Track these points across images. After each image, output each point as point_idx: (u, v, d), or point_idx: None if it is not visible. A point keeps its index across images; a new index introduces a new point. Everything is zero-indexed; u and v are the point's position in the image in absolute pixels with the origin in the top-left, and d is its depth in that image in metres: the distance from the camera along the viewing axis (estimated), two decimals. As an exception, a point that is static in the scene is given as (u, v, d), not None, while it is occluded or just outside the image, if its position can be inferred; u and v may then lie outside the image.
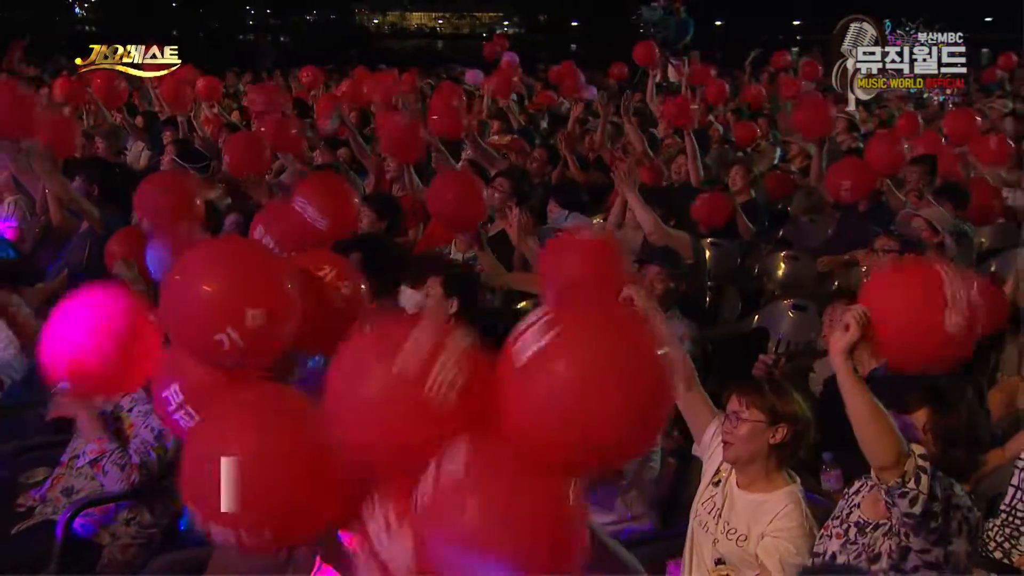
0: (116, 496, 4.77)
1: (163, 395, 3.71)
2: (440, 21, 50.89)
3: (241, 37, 43.08)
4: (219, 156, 9.60)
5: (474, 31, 49.15)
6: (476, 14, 50.53)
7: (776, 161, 12.45)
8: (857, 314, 3.45)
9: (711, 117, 14.29)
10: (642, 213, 7.16)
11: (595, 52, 25.81)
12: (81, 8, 44.49)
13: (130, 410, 4.92)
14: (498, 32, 47.11)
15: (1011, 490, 4.68)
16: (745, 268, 8.78)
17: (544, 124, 14.83)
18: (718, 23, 42.99)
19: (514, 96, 15.31)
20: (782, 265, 8.52)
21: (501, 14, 49.97)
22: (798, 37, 34.59)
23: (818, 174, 9.69)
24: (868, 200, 9.07)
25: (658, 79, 17.05)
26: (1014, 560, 4.54)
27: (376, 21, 49.79)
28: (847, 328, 3.44)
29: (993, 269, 8.30)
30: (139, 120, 12.43)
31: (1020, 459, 4.71)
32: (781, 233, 9.60)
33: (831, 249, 8.83)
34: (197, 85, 12.98)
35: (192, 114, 11.49)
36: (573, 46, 39.20)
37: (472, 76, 18.30)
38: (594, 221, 8.77)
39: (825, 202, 9.72)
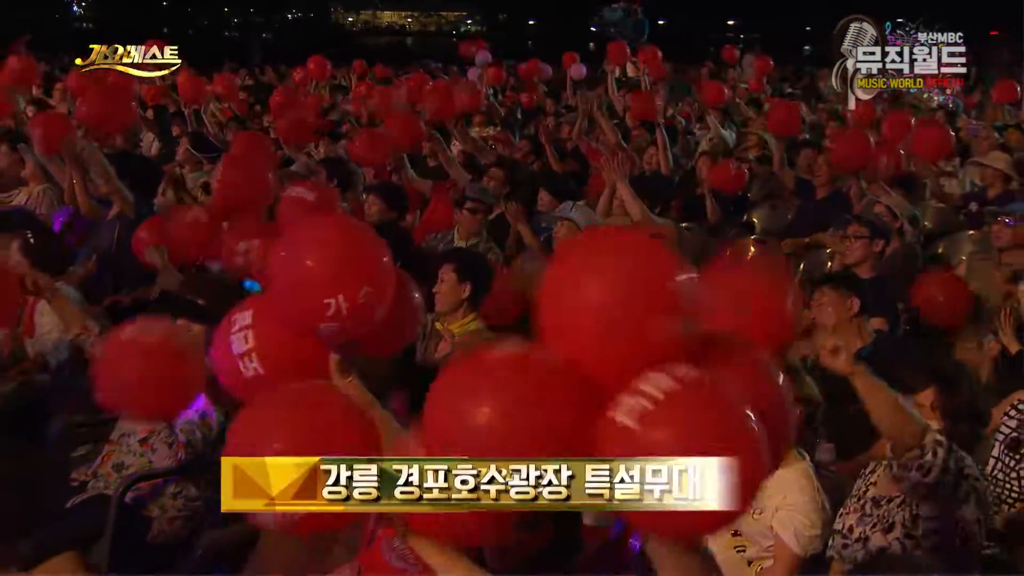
0: (164, 471, 4.66)
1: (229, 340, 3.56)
2: (409, 19, 50.46)
3: (227, 34, 42.51)
4: (227, 147, 9.46)
5: (440, 28, 48.89)
6: (442, 13, 50.16)
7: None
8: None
9: (671, 111, 14.17)
10: (632, 204, 7.07)
11: (551, 49, 25.68)
12: (79, 6, 43.77)
13: (174, 391, 4.80)
14: (462, 29, 46.99)
15: (991, 460, 4.66)
16: (714, 251, 8.70)
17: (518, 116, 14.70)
18: (660, 22, 42.89)
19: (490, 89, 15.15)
20: (751, 248, 8.43)
21: (465, 13, 49.62)
22: (741, 36, 34.51)
23: (780, 163, 9.68)
24: (826, 187, 9.12)
25: (617, 74, 16.93)
26: (996, 524, 4.51)
27: (351, 19, 49.34)
28: (835, 351, 3.32)
29: (941, 251, 8.33)
30: (149, 113, 12.17)
31: (999, 432, 4.68)
32: (745, 218, 9.54)
33: (792, 233, 8.81)
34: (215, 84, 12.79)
35: (202, 108, 11.24)
36: (530, 43, 38.97)
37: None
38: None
39: (784, 188, 9.71)
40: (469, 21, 48.74)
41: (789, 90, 17.91)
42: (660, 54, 17.16)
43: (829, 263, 7.85)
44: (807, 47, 36.61)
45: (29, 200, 7.90)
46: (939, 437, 3.37)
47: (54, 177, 7.94)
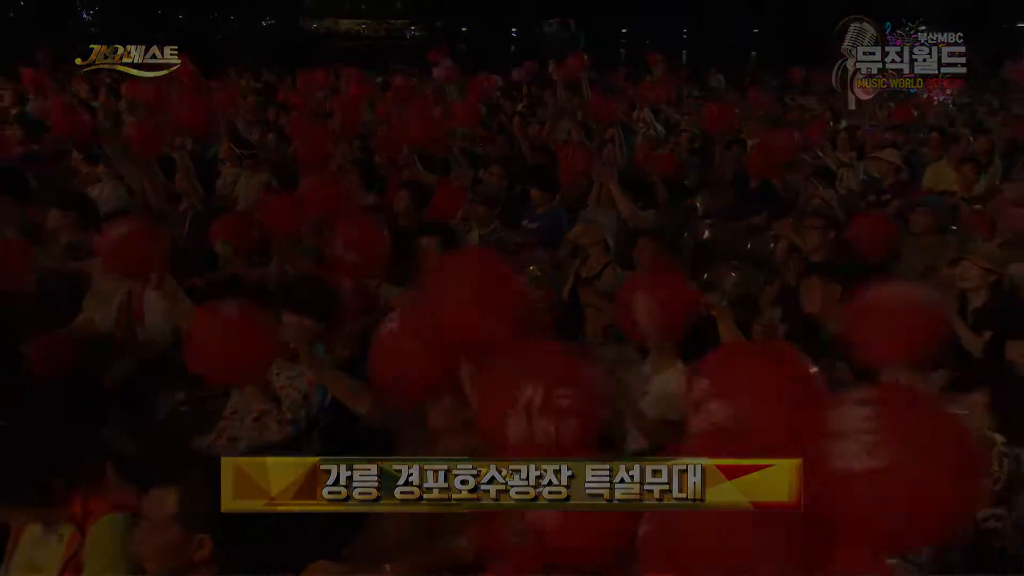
0: (272, 445, 4.39)
1: None
2: (363, 26, 49.22)
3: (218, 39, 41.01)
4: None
5: (389, 34, 47.77)
6: (390, 20, 49.02)
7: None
8: None
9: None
10: (622, 202, 6.86)
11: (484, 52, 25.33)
12: (87, 13, 41.85)
13: (278, 374, 4.53)
14: (408, 35, 46.05)
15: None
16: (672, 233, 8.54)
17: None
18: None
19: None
20: (707, 230, 8.28)
21: (408, 20, 48.62)
22: (647, 42, 34.17)
23: (719, 157, 9.60)
24: (758, 178, 9.03)
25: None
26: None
27: (315, 25, 48.00)
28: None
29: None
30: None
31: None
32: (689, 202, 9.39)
33: (731, 217, 8.68)
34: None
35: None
36: (463, 46, 38.28)
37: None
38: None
39: (720, 177, 9.59)
40: (413, 28, 47.80)
41: (696, 94, 17.66)
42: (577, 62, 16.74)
43: (772, 244, 7.72)
44: (684, 51, 36.53)
45: (102, 194, 7.45)
46: (1003, 448, 3.21)
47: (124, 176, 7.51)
